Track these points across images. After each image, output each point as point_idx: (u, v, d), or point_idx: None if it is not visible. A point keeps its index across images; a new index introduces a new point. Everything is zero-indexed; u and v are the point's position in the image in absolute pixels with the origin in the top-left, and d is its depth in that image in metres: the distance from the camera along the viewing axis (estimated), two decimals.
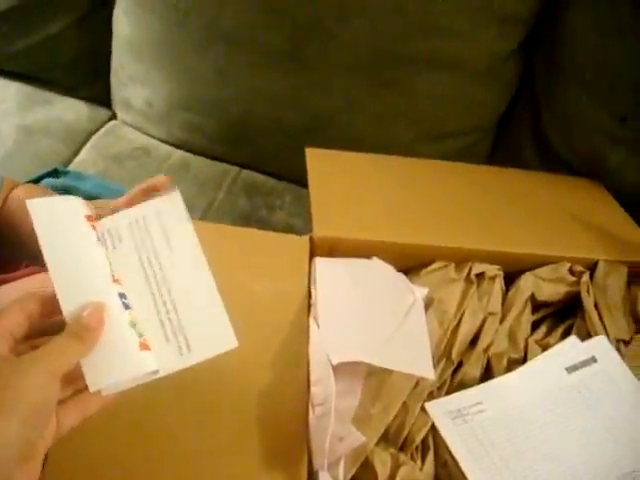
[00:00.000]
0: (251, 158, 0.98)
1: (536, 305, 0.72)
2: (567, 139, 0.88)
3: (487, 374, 0.66)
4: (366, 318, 0.62)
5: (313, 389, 0.56)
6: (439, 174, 0.83)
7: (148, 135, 1.05)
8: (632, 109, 0.80)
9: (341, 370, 0.58)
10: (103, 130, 1.09)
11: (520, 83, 0.91)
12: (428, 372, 0.56)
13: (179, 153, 1.01)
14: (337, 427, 0.54)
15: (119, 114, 1.11)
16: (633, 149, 0.83)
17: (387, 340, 0.59)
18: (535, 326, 0.72)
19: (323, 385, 0.55)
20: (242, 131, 0.94)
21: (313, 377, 0.57)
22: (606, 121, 0.83)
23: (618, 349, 0.67)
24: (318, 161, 0.80)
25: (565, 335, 0.70)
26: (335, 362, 0.55)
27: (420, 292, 0.66)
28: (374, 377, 0.60)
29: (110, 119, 1.13)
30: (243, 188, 0.95)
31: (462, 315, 0.67)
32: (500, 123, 0.95)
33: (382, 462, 0.56)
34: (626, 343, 0.68)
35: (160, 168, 0.97)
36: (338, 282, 0.64)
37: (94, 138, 1.07)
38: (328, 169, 0.79)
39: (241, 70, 0.88)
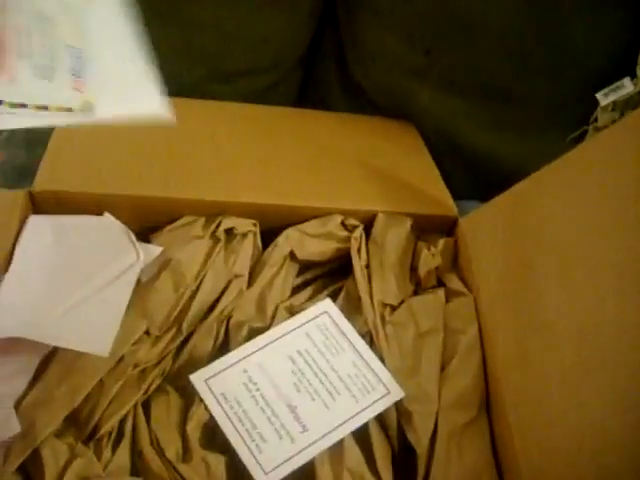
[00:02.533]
0: None
1: (307, 265, 0.62)
2: (372, 77, 0.78)
3: (225, 346, 0.55)
4: (60, 285, 0.51)
5: None
6: (217, 117, 0.72)
7: None
8: (436, 41, 0.69)
9: (14, 347, 0.47)
10: None
11: (323, 15, 0.80)
12: (103, 349, 0.46)
13: None
14: None
15: None
16: (440, 85, 0.73)
17: (70, 311, 0.49)
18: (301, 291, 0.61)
19: None
20: None
21: None
22: (410, 56, 0.72)
23: (382, 315, 0.57)
24: None
25: (332, 299, 0.60)
26: None
27: (147, 253, 0.55)
28: (67, 352, 0.50)
29: None
30: (24, 140, 0.84)
31: (203, 279, 0.57)
32: (306, 64, 0.84)
33: (54, 454, 0.46)
34: (394, 308, 0.58)
35: None
36: (42, 243, 0.54)
37: None
38: None
39: None
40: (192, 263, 0.58)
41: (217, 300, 0.57)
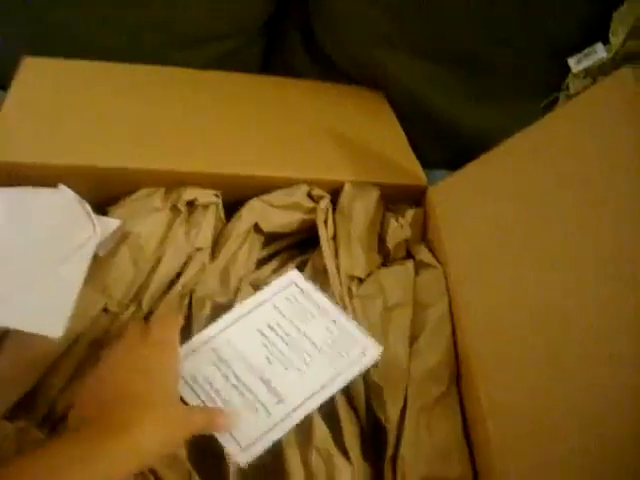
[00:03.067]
0: None
1: (272, 237, 0.60)
2: (340, 44, 0.75)
3: (187, 322, 0.53)
4: (10, 261, 0.48)
5: None
6: (180, 84, 0.69)
7: None
8: (404, 7, 0.67)
9: None
10: None
11: None
12: (55, 330, 0.44)
13: None
14: None
15: None
16: (409, 53, 0.71)
17: (21, 290, 0.46)
18: (266, 264, 0.59)
19: None
20: None
21: None
22: (379, 23, 0.69)
23: (349, 288, 0.55)
24: (32, 72, 0.66)
25: (299, 271, 0.58)
26: None
27: (104, 226, 0.53)
28: (20, 332, 0.47)
29: None
30: None
31: (163, 252, 0.54)
32: (271, 27, 0.81)
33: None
34: (361, 280, 0.57)
35: None
36: None
37: None
38: (39, 81, 0.65)
39: None
40: (152, 236, 0.56)
41: (179, 275, 0.55)
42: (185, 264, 0.56)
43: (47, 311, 0.45)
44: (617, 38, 0.62)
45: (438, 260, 0.60)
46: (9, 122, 0.59)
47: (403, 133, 0.70)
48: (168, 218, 0.57)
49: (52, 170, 0.56)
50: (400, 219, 0.61)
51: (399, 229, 0.61)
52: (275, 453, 0.47)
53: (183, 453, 0.45)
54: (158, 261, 0.55)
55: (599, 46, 0.63)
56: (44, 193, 0.55)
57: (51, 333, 0.44)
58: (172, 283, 0.55)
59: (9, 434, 0.43)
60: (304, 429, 0.48)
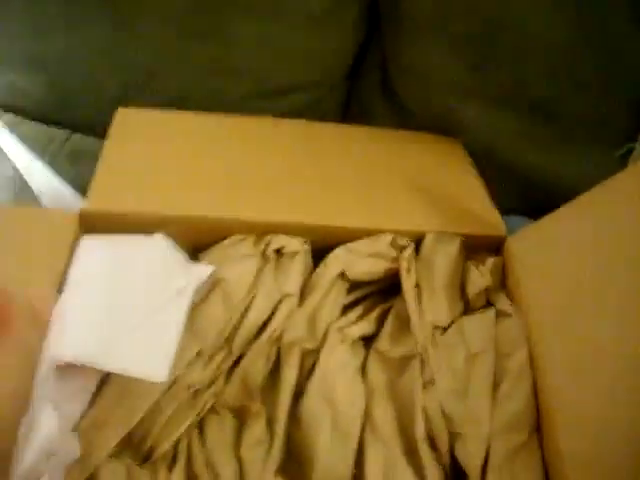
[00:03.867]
0: (78, 121, 0.88)
1: (354, 285, 0.62)
2: (416, 93, 0.77)
3: (276, 367, 0.56)
4: (114, 308, 0.51)
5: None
6: (267, 133, 0.72)
7: None
8: (483, 56, 0.69)
9: (72, 371, 0.48)
10: None
11: (368, 31, 0.79)
12: (159, 374, 0.47)
13: (4, 117, 0.91)
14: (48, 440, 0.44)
15: None
16: (486, 102, 0.72)
17: (126, 337, 0.49)
18: (350, 310, 0.61)
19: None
20: (64, 91, 0.84)
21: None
22: (456, 72, 0.72)
23: (432, 336, 0.57)
24: (127, 122, 0.70)
25: (381, 319, 0.60)
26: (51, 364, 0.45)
27: (200, 273, 0.56)
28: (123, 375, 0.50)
29: None
30: (69, 154, 0.85)
31: (253, 298, 0.57)
32: (351, 77, 0.84)
33: (112, 476, 0.47)
34: (444, 329, 0.58)
35: None
36: (96, 264, 0.54)
37: None
38: (134, 131, 0.69)
39: (55, 23, 0.78)
40: (242, 282, 0.58)
41: (268, 320, 0.57)
42: (274, 310, 0.57)
43: (151, 356, 0.48)
44: None
45: (517, 309, 0.60)
46: (108, 172, 0.63)
47: (481, 182, 0.71)
48: (257, 264, 0.59)
49: (147, 219, 0.60)
50: (480, 267, 0.62)
51: (480, 277, 0.62)
52: None
53: None
54: (248, 306, 0.57)
55: None
56: (144, 240, 0.58)
57: (156, 378, 0.46)
58: (262, 328, 0.57)
59: (118, 472, 0.45)
60: (388, 471, 0.49)
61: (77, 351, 0.46)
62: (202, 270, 0.56)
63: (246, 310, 0.57)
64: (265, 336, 0.56)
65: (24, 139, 0.84)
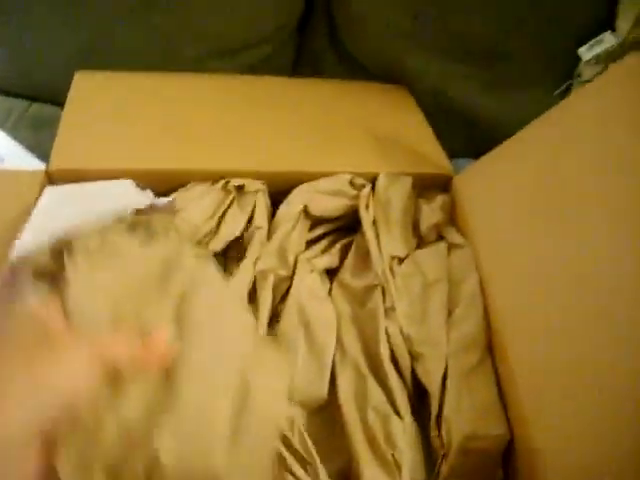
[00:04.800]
0: (38, 91, 0.88)
1: (316, 221, 0.65)
2: (363, 43, 0.80)
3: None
4: None
5: None
6: (221, 89, 0.75)
7: None
8: (424, 4, 0.72)
9: None
10: None
11: None
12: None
13: None
14: None
15: None
16: (429, 48, 0.76)
17: None
18: (314, 244, 0.65)
19: None
20: (23, 63, 0.84)
21: None
22: (398, 20, 0.75)
23: (391, 267, 0.61)
24: (85, 85, 0.71)
25: (343, 253, 0.64)
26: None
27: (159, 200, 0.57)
28: None
29: None
30: (31, 122, 0.86)
31: (220, 218, 0.61)
32: (300, 31, 0.86)
33: None
34: (401, 260, 0.62)
35: None
36: (59, 205, 0.55)
37: None
38: (93, 93, 0.70)
39: None
40: (203, 210, 0.61)
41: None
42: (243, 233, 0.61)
43: None
44: (624, 26, 0.68)
45: (466, 240, 0.65)
46: (70, 132, 0.64)
47: (428, 125, 0.75)
48: (219, 197, 0.62)
49: (109, 174, 0.60)
50: (431, 204, 0.67)
51: (430, 213, 0.66)
52: (331, 412, 0.52)
53: None
54: (218, 223, 0.61)
55: (607, 34, 0.68)
56: (107, 183, 0.59)
57: None
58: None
59: None
60: (360, 391, 0.53)
61: None
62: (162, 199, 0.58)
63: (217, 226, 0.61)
64: (249, 261, 0.59)
65: None
